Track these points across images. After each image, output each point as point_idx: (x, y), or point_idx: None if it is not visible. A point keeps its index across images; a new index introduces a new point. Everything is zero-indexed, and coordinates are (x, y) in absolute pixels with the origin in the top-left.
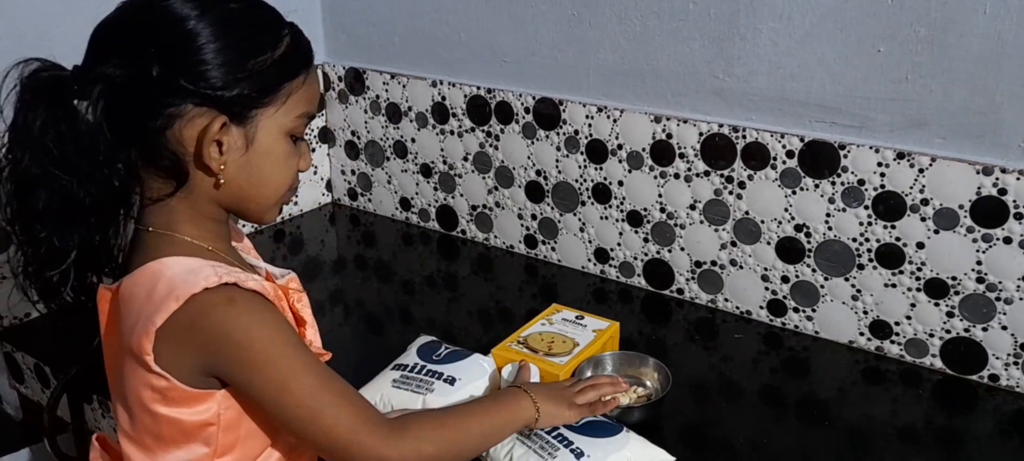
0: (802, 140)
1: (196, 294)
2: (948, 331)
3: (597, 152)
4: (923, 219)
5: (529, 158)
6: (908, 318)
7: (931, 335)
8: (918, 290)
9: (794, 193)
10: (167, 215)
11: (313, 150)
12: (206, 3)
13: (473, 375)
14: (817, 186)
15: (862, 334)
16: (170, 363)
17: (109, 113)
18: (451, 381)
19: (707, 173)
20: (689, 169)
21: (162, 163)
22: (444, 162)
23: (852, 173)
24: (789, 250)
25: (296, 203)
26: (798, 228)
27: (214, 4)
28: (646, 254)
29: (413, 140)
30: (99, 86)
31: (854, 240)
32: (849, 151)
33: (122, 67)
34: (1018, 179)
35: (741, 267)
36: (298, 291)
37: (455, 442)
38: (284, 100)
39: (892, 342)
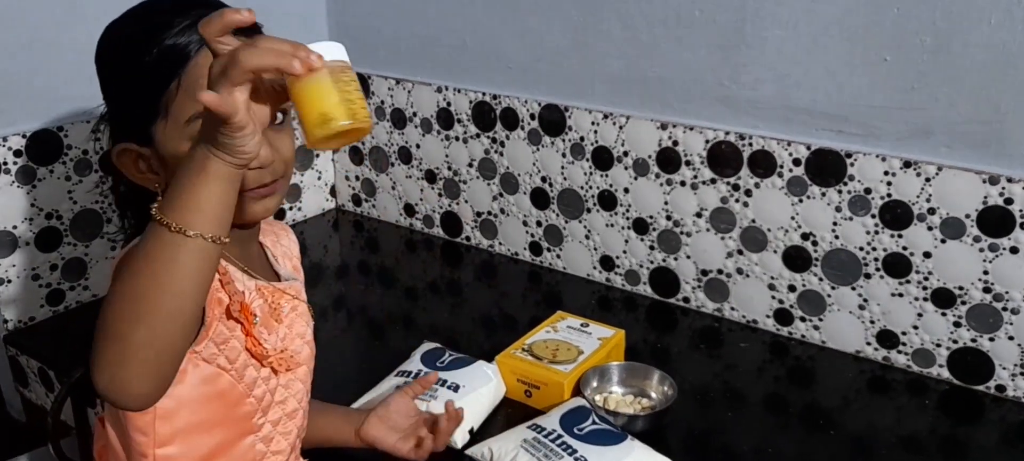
0: (809, 148)
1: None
2: (955, 341)
3: (603, 159)
4: (930, 228)
5: (534, 164)
6: (915, 328)
7: (938, 345)
8: (925, 300)
9: (801, 201)
10: None
11: (316, 155)
12: (104, 35)
13: (477, 382)
14: (824, 194)
15: (869, 344)
16: None
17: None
18: (455, 388)
19: (713, 181)
20: (695, 177)
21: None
22: (449, 168)
23: (859, 182)
24: (795, 259)
25: (299, 208)
26: (805, 237)
27: (106, 36)
28: (652, 262)
29: (418, 146)
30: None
31: (861, 249)
32: (855, 160)
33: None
34: None
35: (747, 276)
36: (292, 297)
37: (124, 307)
38: (165, 111)
39: (899, 352)
